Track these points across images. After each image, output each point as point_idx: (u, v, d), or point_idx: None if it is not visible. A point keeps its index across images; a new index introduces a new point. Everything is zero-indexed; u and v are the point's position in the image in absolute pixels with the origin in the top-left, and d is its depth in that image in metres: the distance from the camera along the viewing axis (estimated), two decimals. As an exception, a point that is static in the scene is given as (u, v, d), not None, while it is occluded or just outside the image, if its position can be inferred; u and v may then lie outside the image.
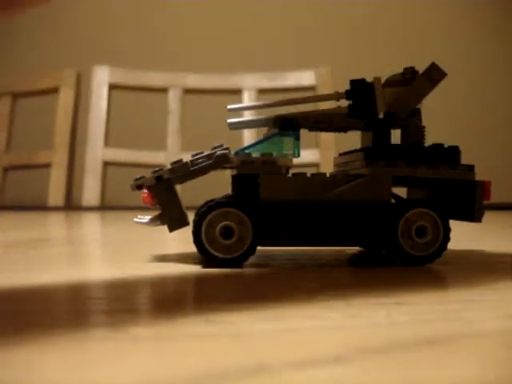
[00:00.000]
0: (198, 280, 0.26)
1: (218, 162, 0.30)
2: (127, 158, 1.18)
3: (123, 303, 0.21)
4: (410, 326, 0.18)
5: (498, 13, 1.33)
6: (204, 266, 0.29)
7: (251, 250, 0.29)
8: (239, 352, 0.15)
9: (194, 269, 0.29)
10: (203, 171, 0.30)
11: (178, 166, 0.30)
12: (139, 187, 0.30)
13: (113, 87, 1.22)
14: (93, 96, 1.21)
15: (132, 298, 0.23)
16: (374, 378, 0.13)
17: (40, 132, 1.25)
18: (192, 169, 0.30)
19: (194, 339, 0.16)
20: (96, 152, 1.18)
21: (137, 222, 0.32)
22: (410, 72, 0.31)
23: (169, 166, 0.30)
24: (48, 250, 0.39)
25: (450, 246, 0.30)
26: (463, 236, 0.45)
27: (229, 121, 0.33)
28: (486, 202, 0.31)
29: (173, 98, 1.21)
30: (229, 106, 0.34)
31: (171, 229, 0.30)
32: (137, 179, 0.30)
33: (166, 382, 0.13)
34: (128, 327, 0.17)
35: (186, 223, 0.30)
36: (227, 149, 0.31)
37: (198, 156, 0.30)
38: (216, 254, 0.29)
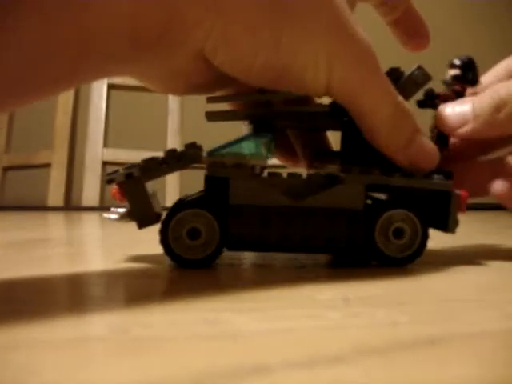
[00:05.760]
0: (198, 280, 0.26)
1: (187, 161, 0.29)
2: (127, 157, 1.18)
3: (122, 303, 0.21)
4: (409, 325, 0.18)
5: (498, 13, 1.33)
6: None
7: (217, 252, 0.28)
8: (239, 352, 0.15)
9: (194, 269, 0.29)
10: (171, 170, 0.29)
11: (148, 163, 0.29)
12: (110, 182, 0.29)
13: (112, 87, 1.22)
14: (92, 96, 1.21)
15: (131, 298, 0.23)
16: (374, 377, 0.13)
17: (40, 132, 1.25)
18: (161, 167, 0.29)
19: (193, 339, 0.16)
20: (96, 152, 1.18)
21: (106, 218, 0.31)
22: (395, 73, 0.31)
23: (140, 163, 0.30)
24: (48, 251, 0.39)
25: (450, 245, 0.30)
26: (462, 236, 0.45)
27: (207, 112, 0.32)
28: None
29: (173, 98, 1.21)
30: (208, 97, 0.32)
31: (140, 226, 0.29)
32: (110, 174, 0.29)
33: (166, 382, 0.13)
34: (127, 327, 0.17)
35: (156, 221, 0.30)
36: (200, 148, 0.30)
37: (169, 154, 0.30)
38: (180, 254, 0.28)
